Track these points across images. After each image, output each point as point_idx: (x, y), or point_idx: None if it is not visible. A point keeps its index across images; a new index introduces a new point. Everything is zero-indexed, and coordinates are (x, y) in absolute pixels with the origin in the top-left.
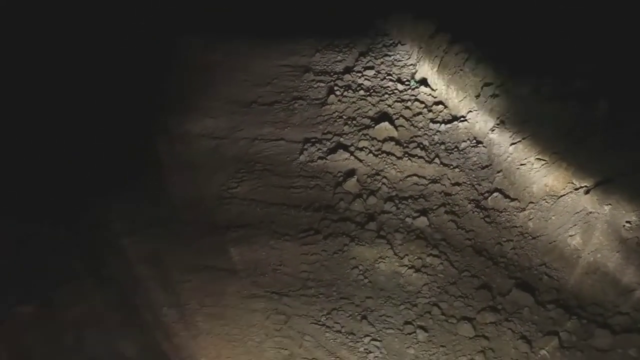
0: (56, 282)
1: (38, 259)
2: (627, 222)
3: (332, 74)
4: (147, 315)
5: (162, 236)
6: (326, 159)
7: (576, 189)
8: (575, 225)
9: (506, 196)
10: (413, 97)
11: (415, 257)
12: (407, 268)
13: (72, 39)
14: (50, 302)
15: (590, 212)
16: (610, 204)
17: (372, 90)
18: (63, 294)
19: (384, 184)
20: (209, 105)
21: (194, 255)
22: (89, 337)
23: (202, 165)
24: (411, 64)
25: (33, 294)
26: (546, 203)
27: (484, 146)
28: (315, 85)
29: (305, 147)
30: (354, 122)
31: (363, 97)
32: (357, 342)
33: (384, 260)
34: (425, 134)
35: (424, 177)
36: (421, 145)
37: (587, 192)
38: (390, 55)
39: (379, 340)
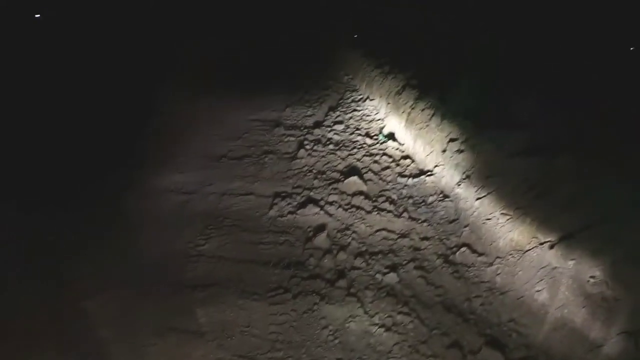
0: (15, 345)
1: None
2: (591, 277)
3: (302, 128)
4: None
5: (128, 296)
6: (296, 214)
7: (541, 244)
8: (541, 280)
9: (474, 251)
10: (381, 152)
11: (386, 315)
12: (377, 327)
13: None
14: None
15: (556, 267)
16: (574, 259)
17: (341, 145)
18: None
19: (353, 238)
20: (178, 160)
21: (160, 317)
22: None
23: (170, 221)
24: (379, 119)
25: None
26: (513, 258)
27: (450, 200)
28: (285, 140)
29: (275, 201)
30: (323, 176)
31: (332, 151)
32: None
33: (354, 320)
34: (394, 187)
35: (393, 232)
36: (390, 199)
37: (551, 247)
38: (359, 110)
39: None
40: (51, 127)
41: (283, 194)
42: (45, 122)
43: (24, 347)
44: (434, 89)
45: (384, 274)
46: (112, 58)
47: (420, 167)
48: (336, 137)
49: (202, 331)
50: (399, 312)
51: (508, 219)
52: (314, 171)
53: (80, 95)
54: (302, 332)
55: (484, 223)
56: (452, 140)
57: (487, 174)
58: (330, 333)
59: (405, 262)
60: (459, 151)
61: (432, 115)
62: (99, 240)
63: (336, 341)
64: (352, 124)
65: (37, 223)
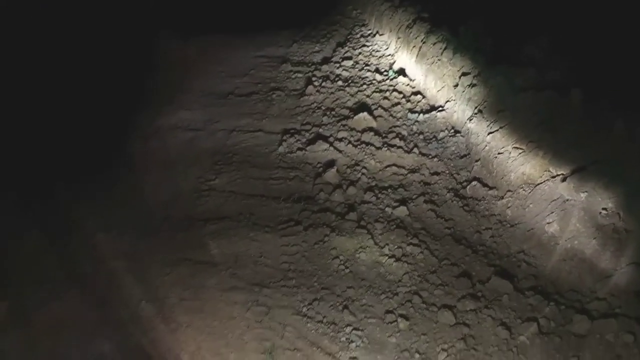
0: (28, 281)
1: (7, 256)
2: (603, 209)
3: (309, 64)
4: (125, 311)
5: (139, 231)
6: (305, 150)
7: (553, 177)
8: (552, 212)
9: (484, 185)
10: (391, 88)
11: (396, 247)
12: (387, 257)
13: (45, 32)
14: (23, 302)
15: (567, 200)
16: (586, 191)
17: (350, 81)
18: (36, 293)
19: (363, 174)
20: (185, 98)
21: (172, 249)
22: (65, 337)
23: (178, 158)
24: (389, 54)
25: (3, 291)
26: (524, 191)
27: (462, 135)
28: (293, 76)
29: (284, 138)
30: (332, 112)
31: (341, 88)
32: (339, 332)
33: (364, 250)
34: (404, 124)
35: (403, 167)
36: (400, 136)
37: (563, 180)
38: (368, 46)
39: (361, 330)
40: (50, 73)
41: (292, 131)
42: (45, 66)
43: (32, 283)
44: (445, 22)
45: (394, 207)
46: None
47: (431, 102)
48: (345, 74)
49: (215, 262)
50: (409, 244)
51: (520, 153)
52: (323, 108)
53: (78, 44)
54: (314, 262)
55: (495, 157)
56: (464, 74)
57: (499, 108)
58: (341, 263)
59: (415, 196)
60: (471, 85)
61: (444, 50)
62: (109, 179)
63: (347, 270)
64: (361, 60)
65: (40, 168)
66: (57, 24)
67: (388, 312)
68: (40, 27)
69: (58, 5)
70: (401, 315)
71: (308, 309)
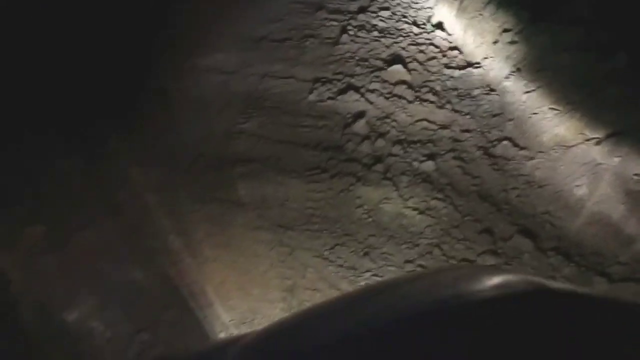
0: (65, 207)
1: (45, 181)
2: (635, 174)
3: (345, 13)
4: (155, 243)
5: (171, 168)
6: (336, 100)
7: (587, 140)
8: (583, 175)
9: (515, 145)
10: (428, 41)
11: (420, 200)
12: (411, 210)
13: None
14: (60, 226)
15: (600, 164)
16: (620, 156)
17: (386, 32)
18: (72, 218)
19: (393, 127)
20: (217, 40)
21: (202, 188)
22: (99, 262)
23: (210, 100)
24: (428, 7)
25: (42, 215)
26: (555, 153)
27: (497, 94)
28: (327, 24)
29: (315, 86)
30: (365, 63)
31: (376, 39)
32: (358, 276)
33: (388, 202)
34: (438, 79)
35: (434, 122)
36: (433, 91)
37: (597, 144)
38: None
39: (380, 276)
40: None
41: (323, 79)
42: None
43: (68, 209)
44: None
45: (421, 161)
46: None
47: (468, 59)
48: (381, 24)
49: (242, 202)
50: (434, 198)
51: (556, 114)
52: (356, 58)
53: None
54: (338, 209)
55: (529, 117)
56: (505, 30)
57: (538, 67)
58: (365, 212)
59: (443, 152)
60: (512, 42)
61: (487, 3)
62: (142, 116)
63: (370, 219)
64: (398, 11)
65: (78, 107)
66: None
67: (408, 262)
68: None
69: None
70: (420, 266)
71: (329, 253)
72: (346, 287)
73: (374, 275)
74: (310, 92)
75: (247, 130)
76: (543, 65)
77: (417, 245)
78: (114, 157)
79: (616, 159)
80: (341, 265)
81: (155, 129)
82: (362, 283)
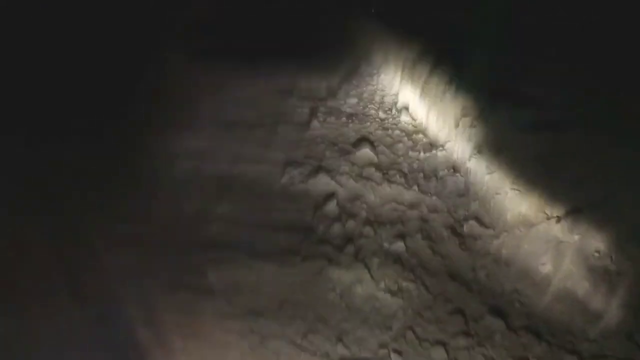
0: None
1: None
2: (595, 251)
3: (315, 99)
4: (122, 333)
5: (140, 254)
6: (307, 183)
7: (548, 219)
8: (546, 253)
9: (481, 224)
10: (394, 125)
11: (392, 281)
12: (383, 292)
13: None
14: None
15: (561, 241)
16: (580, 234)
17: (354, 117)
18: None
19: (363, 208)
20: (190, 124)
21: (172, 274)
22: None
23: (181, 184)
24: (393, 93)
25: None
26: (519, 231)
27: (461, 175)
28: (298, 110)
29: (287, 170)
30: (335, 147)
31: (345, 124)
32: None
33: (360, 284)
34: (405, 161)
35: (403, 203)
36: (401, 172)
37: (558, 222)
38: (373, 83)
39: None
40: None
41: (295, 163)
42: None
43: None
44: (449, 61)
45: (392, 242)
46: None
47: (433, 141)
48: (349, 110)
49: (213, 289)
50: (405, 279)
51: (517, 194)
52: (326, 142)
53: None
54: (310, 293)
55: (493, 197)
56: (465, 114)
57: (498, 148)
58: (337, 295)
59: (413, 232)
60: (472, 126)
61: (447, 89)
62: (111, 199)
63: (342, 303)
64: (365, 97)
65: (47, 180)
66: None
67: (382, 346)
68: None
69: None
70: (394, 350)
71: (302, 340)
72: None
73: None
74: (282, 176)
75: (219, 215)
76: (502, 145)
77: (390, 328)
78: (81, 241)
79: (576, 237)
80: (315, 353)
81: (125, 213)
82: None
